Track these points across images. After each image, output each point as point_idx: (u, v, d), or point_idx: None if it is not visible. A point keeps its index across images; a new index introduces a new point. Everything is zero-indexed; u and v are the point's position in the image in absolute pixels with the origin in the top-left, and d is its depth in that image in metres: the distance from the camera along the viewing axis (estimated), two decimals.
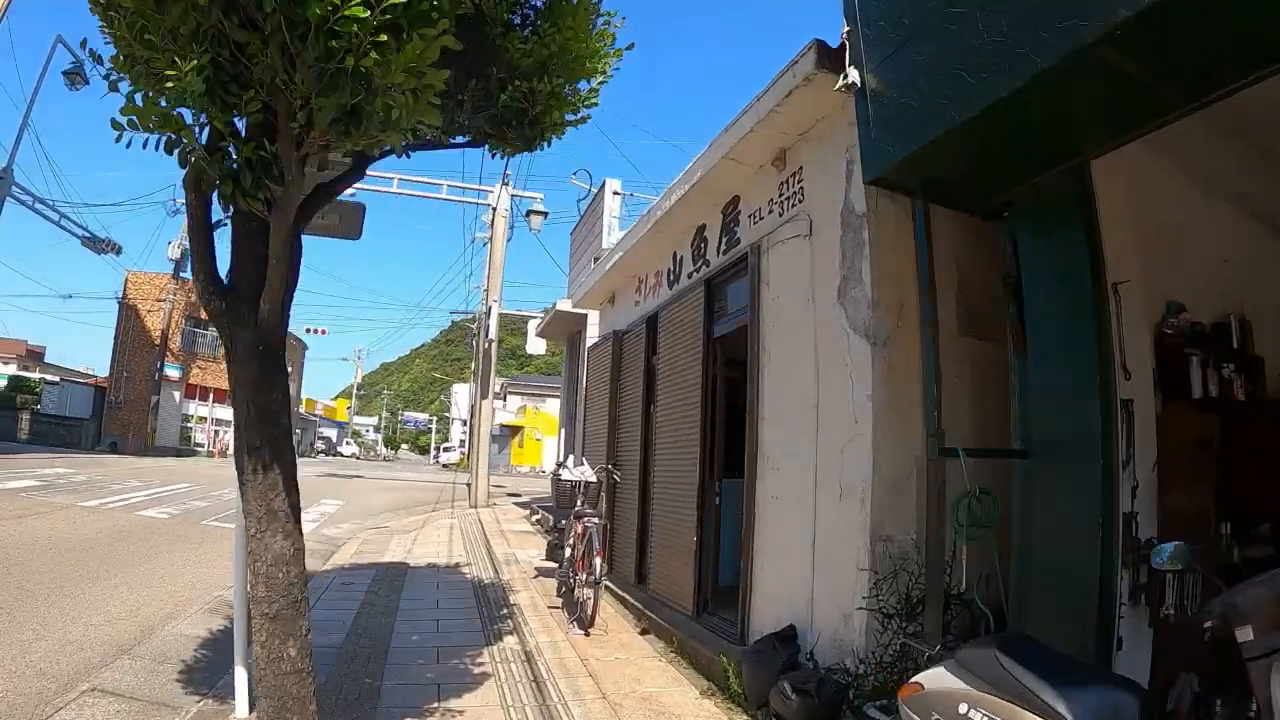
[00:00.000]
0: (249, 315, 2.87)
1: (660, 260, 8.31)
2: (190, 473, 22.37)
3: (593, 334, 13.41)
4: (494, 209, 19.34)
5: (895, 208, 4.42)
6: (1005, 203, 4.14)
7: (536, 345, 18.10)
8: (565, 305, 13.89)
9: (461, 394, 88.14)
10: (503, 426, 52.35)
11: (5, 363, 68.30)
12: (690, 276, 7.30)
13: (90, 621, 6.00)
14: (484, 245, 50.75)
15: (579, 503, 7.53)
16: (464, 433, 76.76)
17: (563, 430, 15.22)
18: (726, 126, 5.70)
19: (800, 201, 5.27)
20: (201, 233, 2.83)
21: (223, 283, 2.93)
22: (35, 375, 47.07)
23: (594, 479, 7.86)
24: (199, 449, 40.43)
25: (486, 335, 17.21)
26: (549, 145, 3.74)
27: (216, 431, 42.43)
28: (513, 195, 19.59)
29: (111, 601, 6.65)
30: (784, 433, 5.13)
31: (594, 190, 15.79)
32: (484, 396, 17.90)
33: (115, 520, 11.24)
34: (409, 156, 3.91)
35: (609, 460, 9.06)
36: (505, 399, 65.37)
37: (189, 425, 41.34)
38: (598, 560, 6.30)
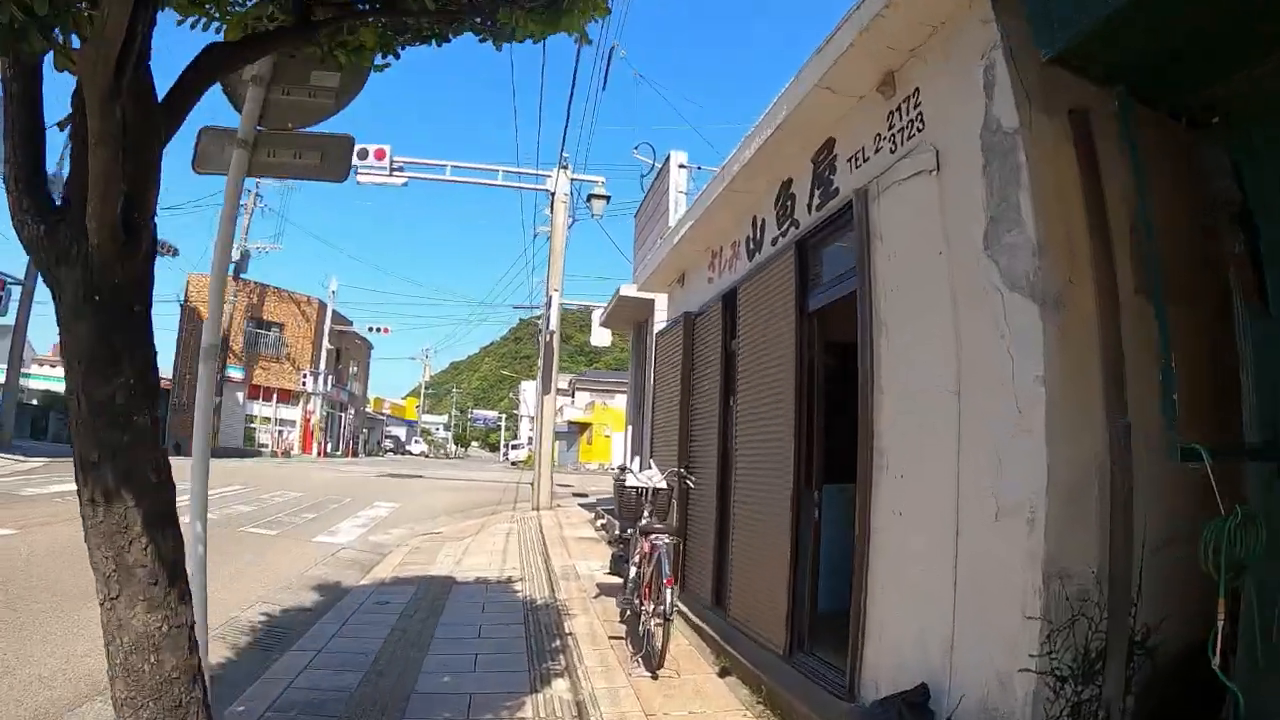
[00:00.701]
0: (78, 245, 1.86)
1: (737, 227, 7.23)
2: (246, 474, 22.04)
3: (660, 320, 12.34)
4: (553, 194, 18.43)
5: (1053, 126, 3.27)
6: (1209, 107, 2.99)
7: (601, 336, 17.12)
8: (629, 290, 12.85)
9: (530, 391, 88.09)
10: (570, 423, 51.82)
11: None
12: (775, 242, 6.18)
13: (73, 651, 5.20)
14: (546, 239, 50.30)
15: (645, 514, 6.51)
16: (533, 430, 76.72)
17: (630, 427, 14.22)
18: (818, 48, 4.59)
19: (919, 131, 4.11)
20: (22, 110, 1.81)
21: (49, 197, 1.91)
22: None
23: (663, 485, 6.84)
24: (263, 449, 40.66)
25: (548, 328, 16.30)
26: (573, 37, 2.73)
27: (280, 432, 42.64)
28: (572, 179, 18.66)
29: None
30: (910, 429, 3.97)
31: (657, 166, 14.71)
32: (546, 392, 16.98)
33: None
34: (397, 57, 2.89)
35: (681, 462, 8.02)
36: (574, 395, 64.98)
37: (252, 426, 41.62)
38: (668, 591, 5.23)
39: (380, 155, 18.49)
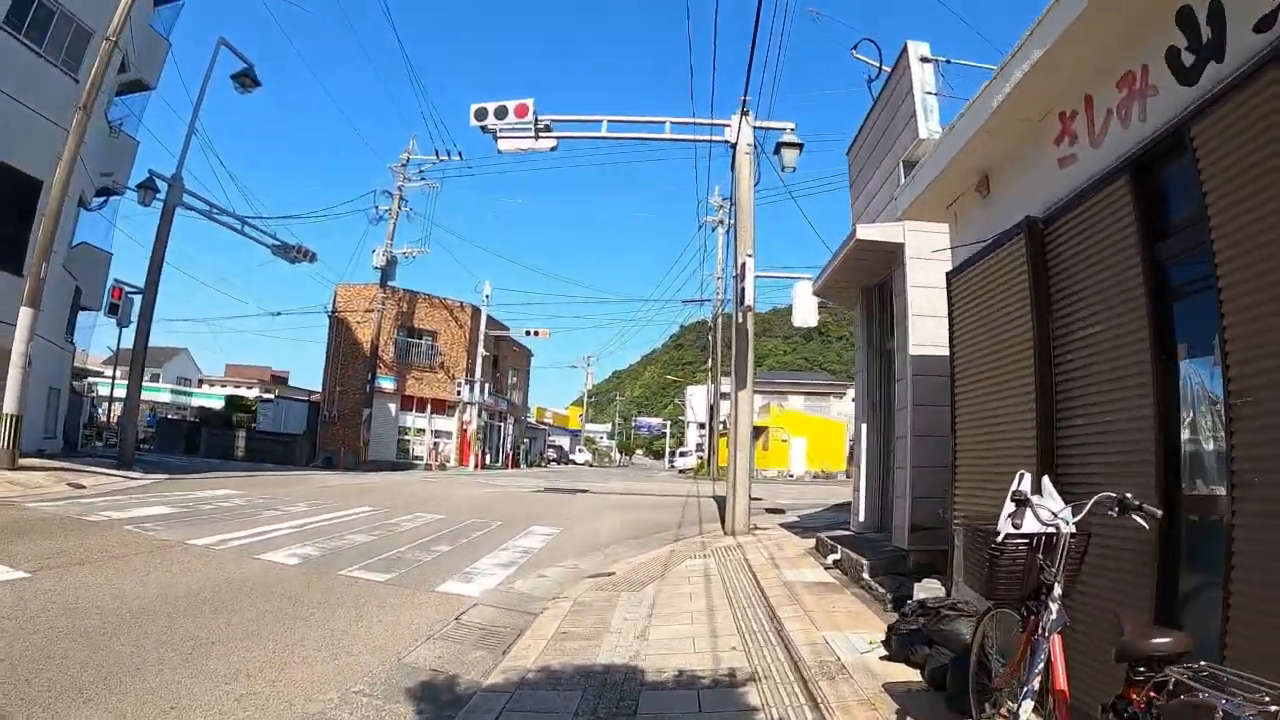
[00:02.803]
0: None
1: (1126, 46, 3.82)
2: (384, 491, 19.83)
3: (920, 272, 8.73)
4: (734, 145, 15.07)
5: None
6: None
7: (805, 313, 13.57)
8: (871, 231, 9.25)
9: (697, 396, 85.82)
10: None
11: (249, 387, 73.39)
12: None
13: None
14: (712, 230, 47.23)
15: (1050, 578, 3.13)
16: (701, 435, 74.07)
17: (862, 424, 10.59)
18: None
19: None
20: None
21: None
22: (253, 394, 48.67)
23: (1069, 528, 3.42)
24: (417, 462, 39.31)
25: (741, 303, 12.88)
26: None
27: (436, 444, 41.24)
28: (755, 127, 15.22)
29: None
30: None
31: (885, 69, 11.07)
32: (741, 386, 13.53)
33: (217, 569, 8.01)
34: None
35: (1042, 468, 4.51)
36: None
37: (406, 438, 40.38)
38: None
39: (522, 112, 15.67)
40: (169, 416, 52.83)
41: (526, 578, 8.96)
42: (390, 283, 38.15)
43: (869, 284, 10.84)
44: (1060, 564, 3.34)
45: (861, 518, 10.28)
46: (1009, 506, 3.45)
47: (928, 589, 6.34)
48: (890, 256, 9.51)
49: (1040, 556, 3.44)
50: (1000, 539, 3.43)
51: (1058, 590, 3.31)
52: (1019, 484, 3.52)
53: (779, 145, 15.25)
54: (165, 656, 5.02)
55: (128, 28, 19.12)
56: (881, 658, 5.58)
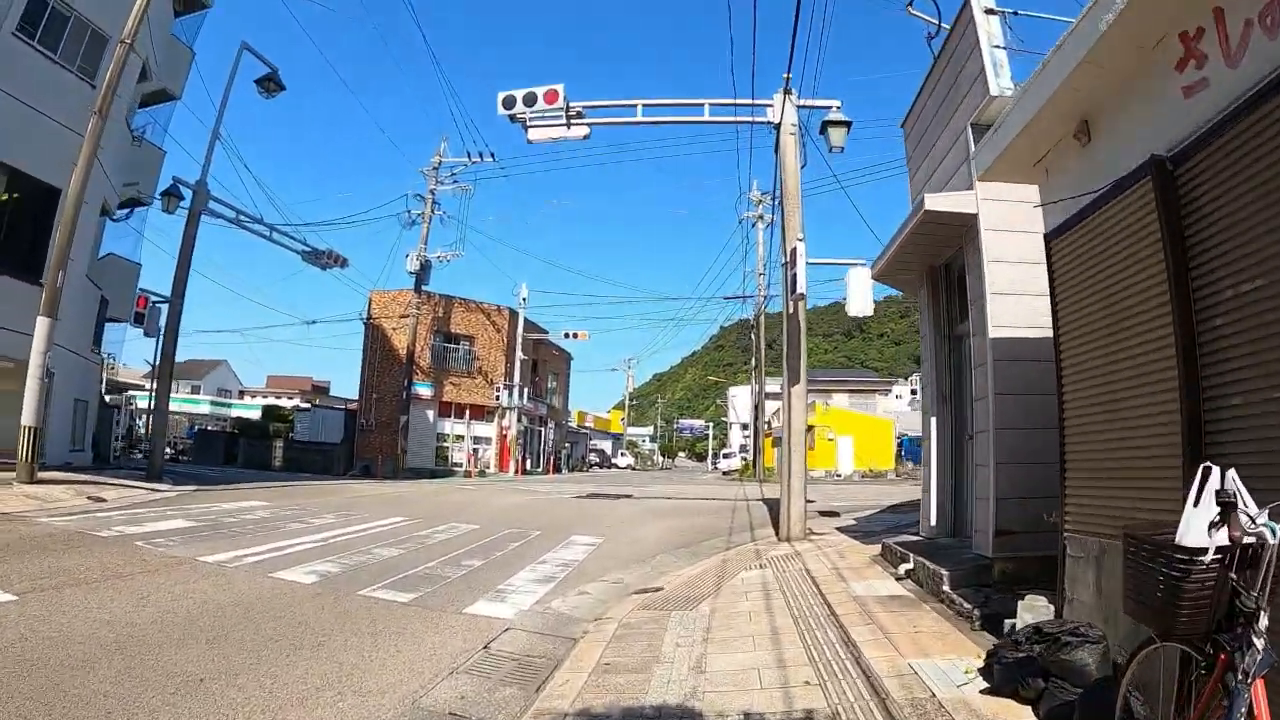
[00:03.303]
0: None
1: None
2: (419, 500, 19.19)
3: (998, 244, 7.81)
4: (777, 125, 14.20)
5: None
6: None
7: (861, 301, 12.55)
8: (941, 201, 8.29)
9: (739, 397, 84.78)
10: None
11: (290, 398, 73.71)
12: None
13: None
14: (752, 225, 46.22)
15: (1253, 604, 2.30)
16: (745, 437, 73.00)
17: (930, 418, 9.63)
18: None
19: None
20: None
21: None
22: (290, 403, 48.57)
23: (1276, 539, 2.52)
24: (456, 469, 38.78)
25: (793, 291, 11.97)
26: None
27: (475, 450, 40.68)
28: (799, 106, 14.34)
29: None
30: None
31: (943, 29, 10.14)
32: (794, 381, 12.60)
33: (224, 589, 7.36)
34: None
35: (1191, 459, 3.64)
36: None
37: (445, 445, 39.85)
38: None
39: (552, 98, 14.97)
40: (209, 428, 53.04)
41: (566, 595, 8.17)
42: (425, 287, 37.69)
43: (934, 264, 9.89)
44: (1267, 585, 2.49)
45: (932, 522, 9.34)
46: (1206, 510, 2.58)
47: (1034, 608, 5.43)
48: (960, 231, 8.58)
49: (1234, 575, 2.59)
50: (1190, 556, 2.57)
51: (1264, 621, 2.46)
52: (1211, 480, 2.64)
53: (825, 124, 14.35)
54: (142, 698, 4.29)
55: (147, 35, 18.76)
56: (982, 690, 4.70)
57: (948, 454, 9.37)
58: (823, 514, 16.56)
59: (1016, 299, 7.71)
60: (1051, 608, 5.41)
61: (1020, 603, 5.57)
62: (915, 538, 9.56)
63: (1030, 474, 7.15)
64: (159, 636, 5.58)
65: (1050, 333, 5.55)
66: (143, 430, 54.21)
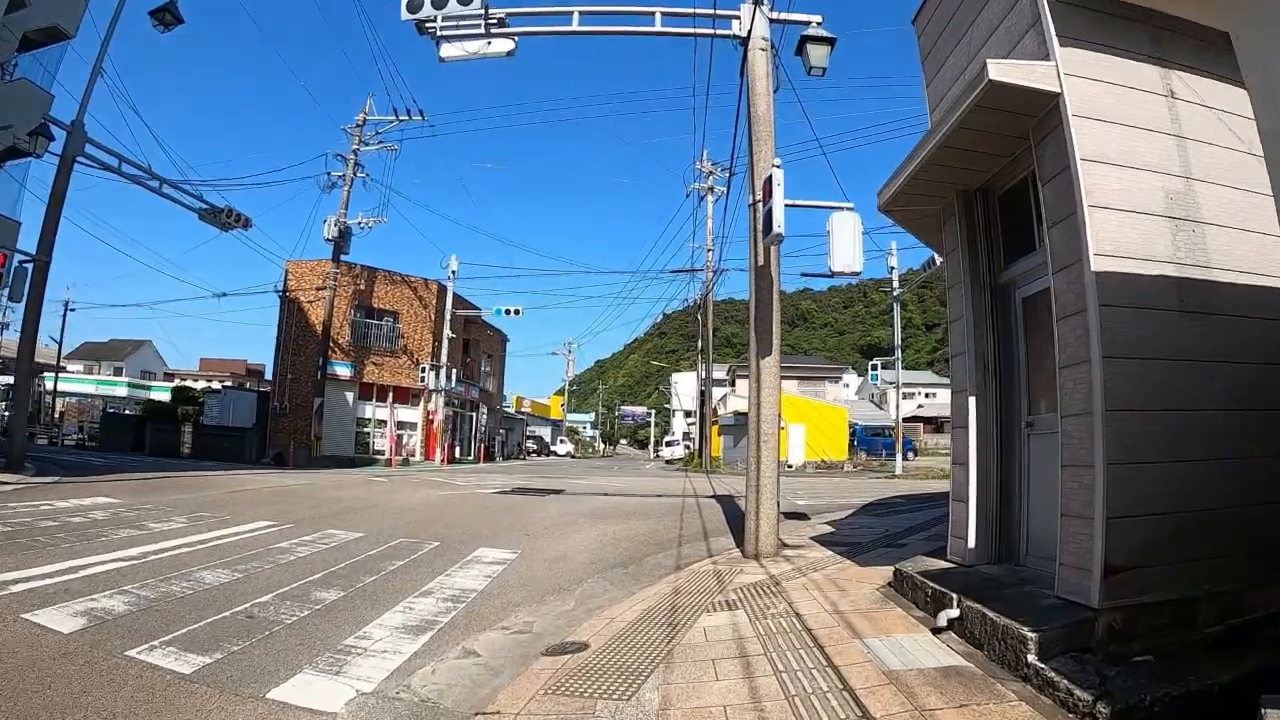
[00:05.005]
0: None
1: None
2: (306, 496, 16.21)
3: (1094, 136, 5.20)
4: (745, 39, 11.46)
5: None
6: None
7: (847, 254, 9.72)
8: (1013, 72, 5.52)
9: (683, 383, 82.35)
10: (737, 414, 44.51)
11: (221, 381, 69.36)
12: None
13: None
14: (702, 197, 43.62)
15: None
16: (689, 424, 70.60)
17: (969, 398, 6.93)
18: None
19: None
20: None
21: None
22: (199, 385, 45.13)
23: None
24: (378, 456, 35.57)
25: (768, 231, 9.26)
26: None
27: (400, 437, 37.50)
28: (772, 20, 11.62)
29: None
30: None
31: None
32: (765, 353, 9.82)
33: None
34: None
35: None
36: (734, 384, 58.58)
37: (365, 430, 36.60)
38: None
39: None
40: (124, 412, 49.07)
41: (444, 657, 5.39)
42: (344, 257, 34.20)
43: (969, 186, 7.28)
44: None
45: (971, 542, 6.71)
46: None
47: None
48: (1024, 126, 5.95)
49: None
50: None
51: None
52: None
53: (803, 39, 11.70)
54: None
55: None
56: None
57: (993, 446, 6.77)
58: (789, 516, 13.89)
59: (1126, 215, 5.14)
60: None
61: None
62: (943, 564, 6.92)
63: (1166, 479, 4.61)
64: None
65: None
66: (57, 414, 50.16)
